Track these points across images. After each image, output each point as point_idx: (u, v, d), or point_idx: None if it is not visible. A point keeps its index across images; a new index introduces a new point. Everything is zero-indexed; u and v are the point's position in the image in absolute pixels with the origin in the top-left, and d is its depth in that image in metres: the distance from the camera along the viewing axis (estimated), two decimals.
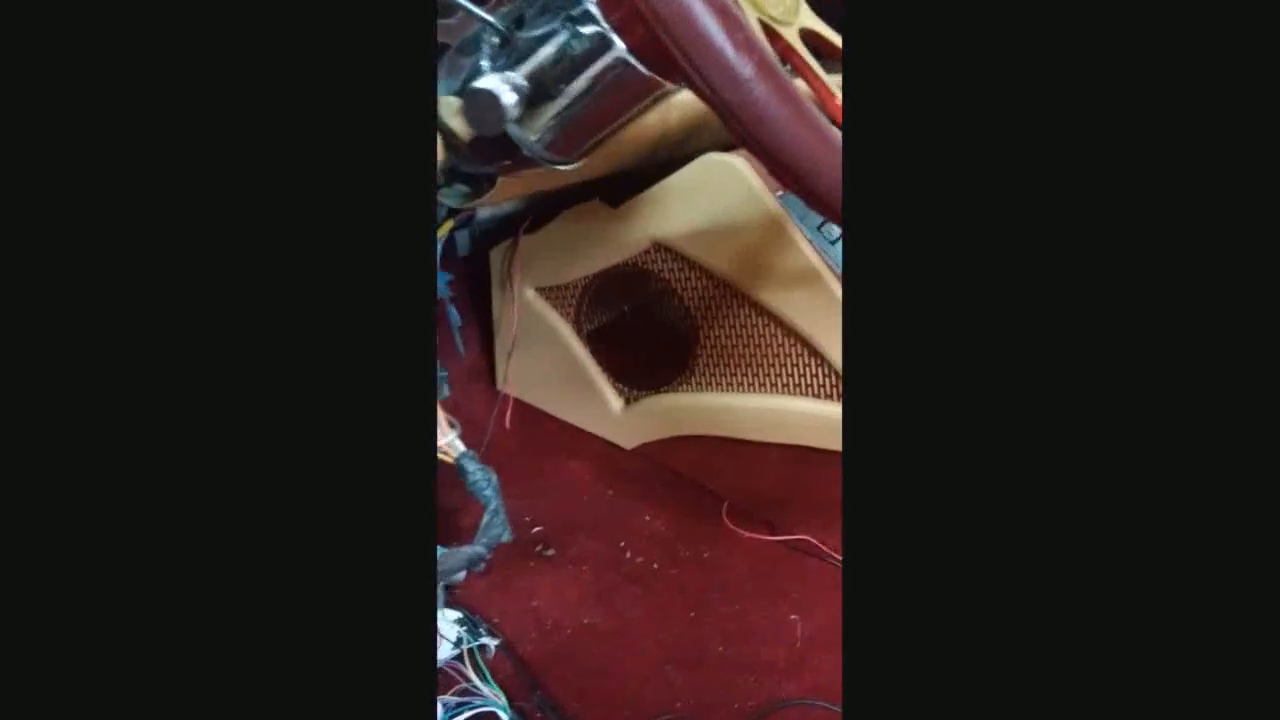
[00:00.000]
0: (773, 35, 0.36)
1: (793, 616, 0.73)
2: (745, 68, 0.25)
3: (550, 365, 0.88)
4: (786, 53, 0.38)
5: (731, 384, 0.79)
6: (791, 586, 0.76)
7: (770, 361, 0.75)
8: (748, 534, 0.84)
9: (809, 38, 0.42)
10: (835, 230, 0.78)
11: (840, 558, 0.79)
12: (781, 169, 0.28)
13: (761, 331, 0.74)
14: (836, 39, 0.47)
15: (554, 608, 0.72)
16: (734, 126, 0.27)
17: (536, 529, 0.81)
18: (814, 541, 0.82)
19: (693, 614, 0.73)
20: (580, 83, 0.37)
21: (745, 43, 0.25)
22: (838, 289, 0.69)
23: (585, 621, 0.71)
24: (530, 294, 0.86)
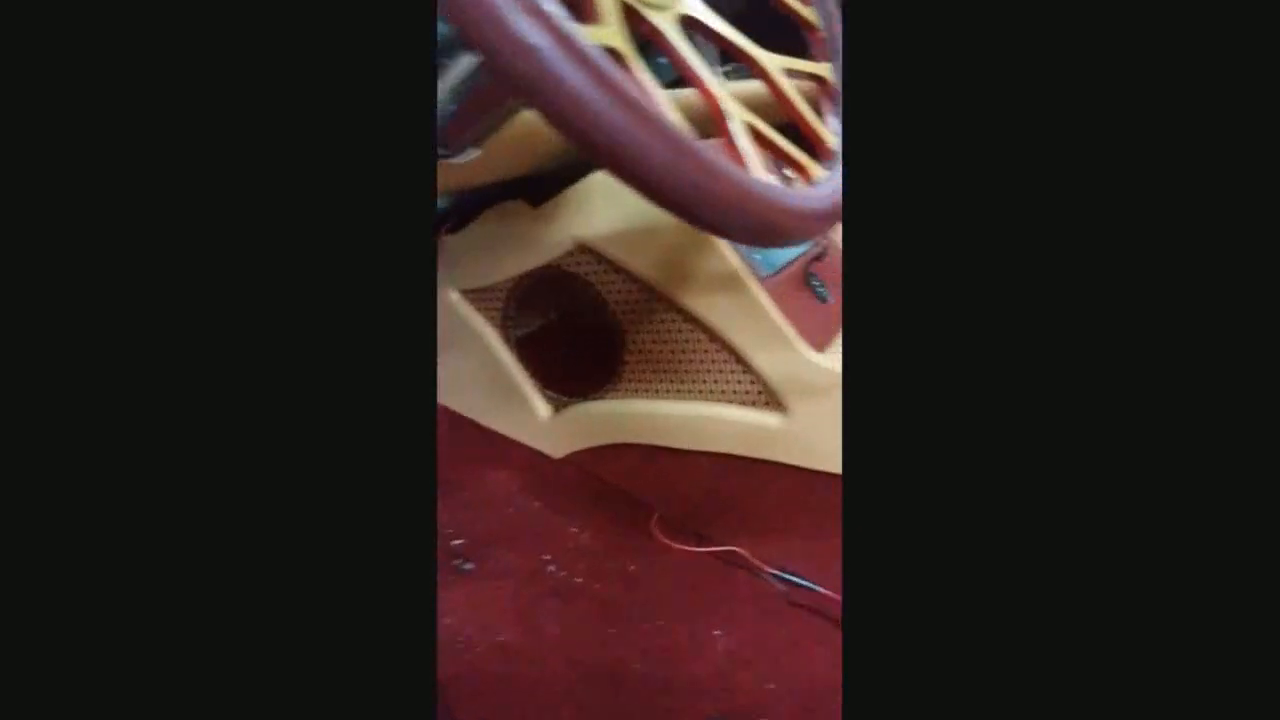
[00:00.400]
0: (636, 17, 0.34)
1: (715, 632, 0.70)
2: (536, 36, 0.23)
3: (476, 371, 0.85)
4: (652, 35, 0.36)
5: (659, 391, 0.76)
6: (718, 601, 0.74)
7: (696, 368, 0.73)
8: (676, 546, 0.82)
9: (693, 26, 0.40)
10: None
11: (770, 570, 0.77)
12: (592, 151, 0.25)
13: (687, 337, 0.72)
14: (737, 38, 0.45)
15: (467, 625, 0.69)
16: (534, 104, 0.24)
17: (457, 542, 0.78)
18: (743, 553, 0.80)
19: (613, 630, 0.71)
20: (452, 76, 0.34)
21: (537, 12, 0.23)
22: (760, 293, 0.67)
23: (499, 639, 0.68)
24: (454, 296, 0.83)
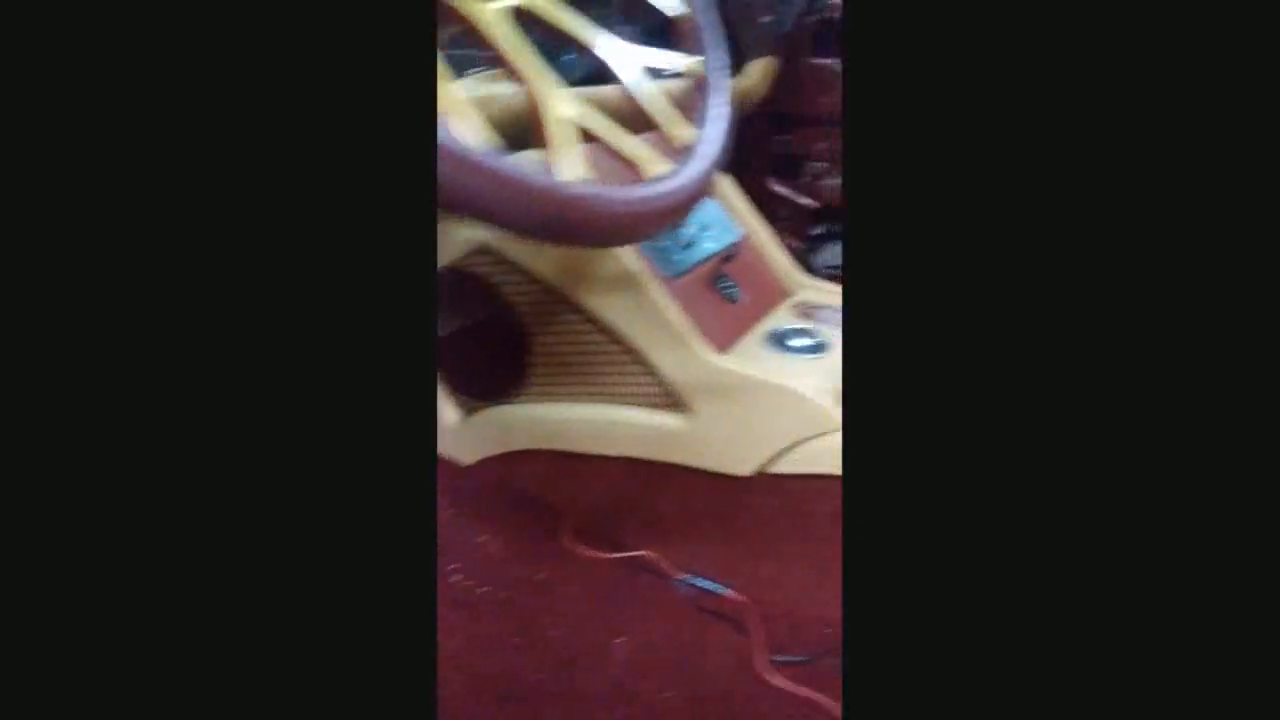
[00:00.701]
0: (455, 15, 0.33)
1: (617, 640, 0.69)
2: None
3: None
4: (475, 29, 0.34)
5: (566, 395, 0.75)
6: (626, 607, 0.72)
7: (600, 370, 0.72)
8: (587, 553, 0.80)
9: (526, 18, 0.39)
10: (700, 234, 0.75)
11: (679, 575, 0.76)
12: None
13: (590, 339, 0.70)
14: (581, 31, 0.44)
15: None
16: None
17: None
18: (653, 559, 0.79)
19: (516, 640, 0.69)
20: None
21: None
22: (659, 294, 0.66)
23: None
24: None
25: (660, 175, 0.37)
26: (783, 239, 1.26)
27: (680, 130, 0.40)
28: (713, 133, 0.40)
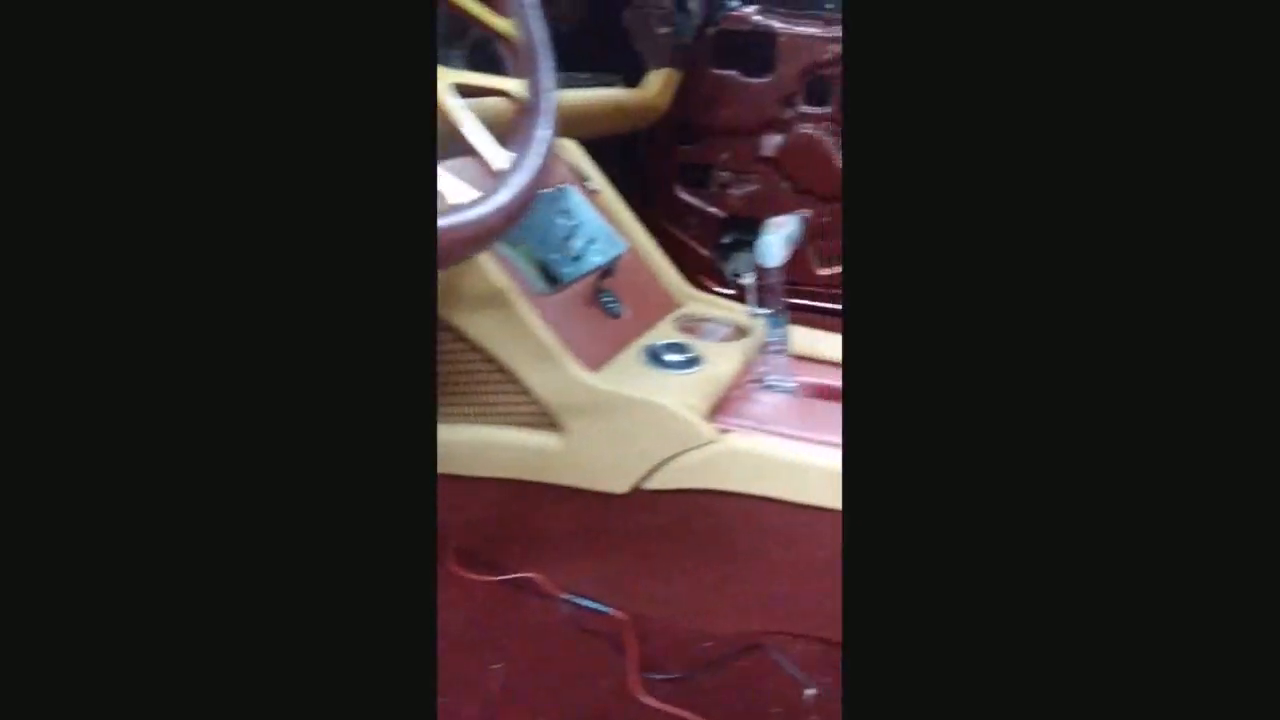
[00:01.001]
0: None
1: (494, 666, 0.67)
2: None
3: None
4: None
5: (443, 415, 0.73)
6: (507, 630, 0.71)
7: (475, 390, 0.70)
8: (471, 576, 0.78)
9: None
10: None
11: (563, 595, 0.75)
12: None
13: (463, 358, 0.69)
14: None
15: None
16: None
17: None
18: (537, 580, 0.78)
19: None
20: None
21: None
22: (526, 311, 0.64)
23: None
24: None
25: (464, 203, 0.36)
26: (692, 248, 1.26)
27: (492, 155, 0.39)
28: (530, 160, 0.39)
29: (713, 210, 1.27)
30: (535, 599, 0.79)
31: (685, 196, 1.27)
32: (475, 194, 0.36)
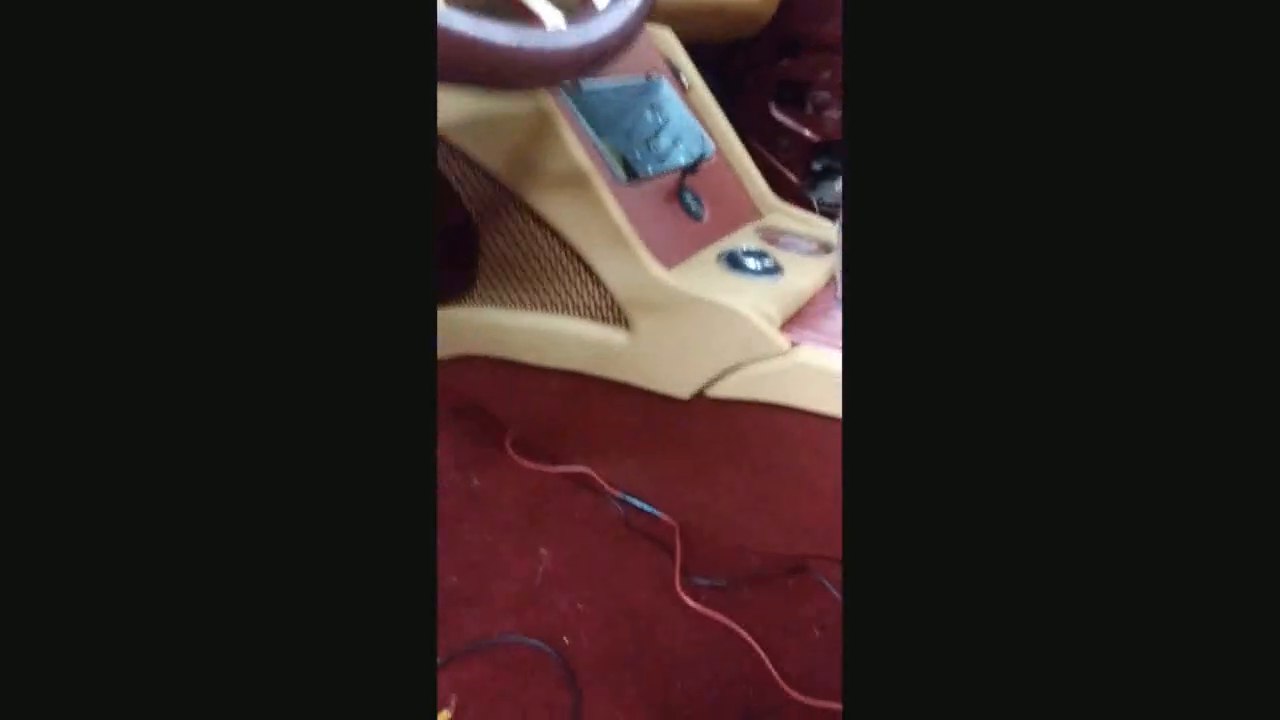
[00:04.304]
0: None
1: (541, 550, 0.68)
2: None
3: None
4: None
5: (511, 300, 0.72)
6: (555, 520, 0.72)
7: (546, 278, 0.69)
8: (527, 465, 0.79)
9: None
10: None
11: (615, 493, 0.75)
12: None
13: (537, 242, 0.67)
14: None
15: None
16: None
17: None
18: (592, 474, 0.78)
19: (438, 542, 0.68)
20: None
21: None
22: (607, 197, 0.62)
23: None
24: None
25: (553, 24, 0.33)
26: (782, 170, 1.20)
27: None
28: None
29: (807, 133, 1.21)
30: (588, 494, 0.79)
31: (779, 115, 1.21)
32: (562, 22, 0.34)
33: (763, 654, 0.59)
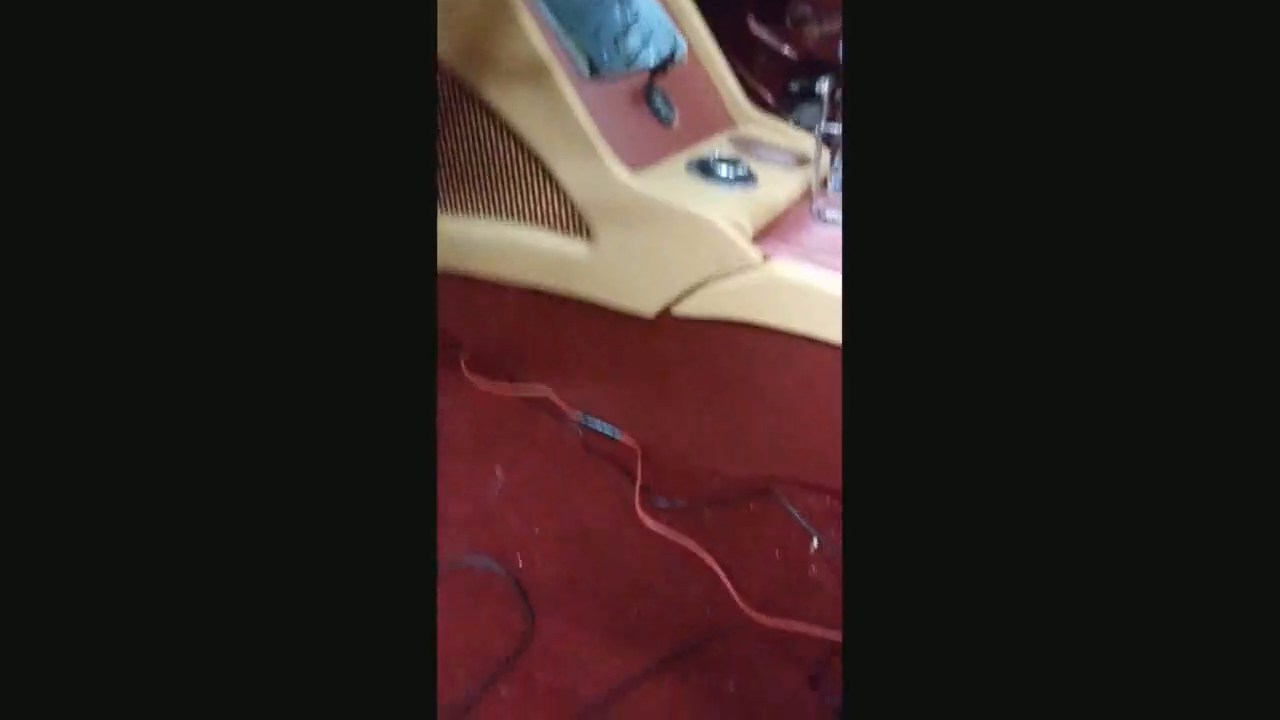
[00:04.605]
0: None
1: (496, 472, 0.65)
2: None
3: None
4: None
5: (464, 207, 0.67)
6: (512, 443, 0.69)
7: (501, 181, 0.64)
8: (484, 385, 0.75)
9: None
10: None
11: (576, 415, 0.72)
12: None
13: (491, 142, 0.62)
14: None
15: None
16: None
17: None
18: (551, 396, 0.75)
19: None
20: None
21: None
22: (568, 90, 0.57)
23: None
24: None
25: None
26: (758, 90, 1.15)
27: None
28: None
29: (785, 50, 1.15)
30: (547, 416, 0.76)
31: (757, 30, 1.14)
32: None
33: (723, 575, 0.57)
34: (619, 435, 0.70)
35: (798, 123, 1.11)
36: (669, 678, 0.51)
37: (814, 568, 0.62)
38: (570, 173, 0.59)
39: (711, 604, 0.56)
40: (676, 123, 0.69)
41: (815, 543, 0.63)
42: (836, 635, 0.55)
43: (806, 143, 0.77)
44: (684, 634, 0.53)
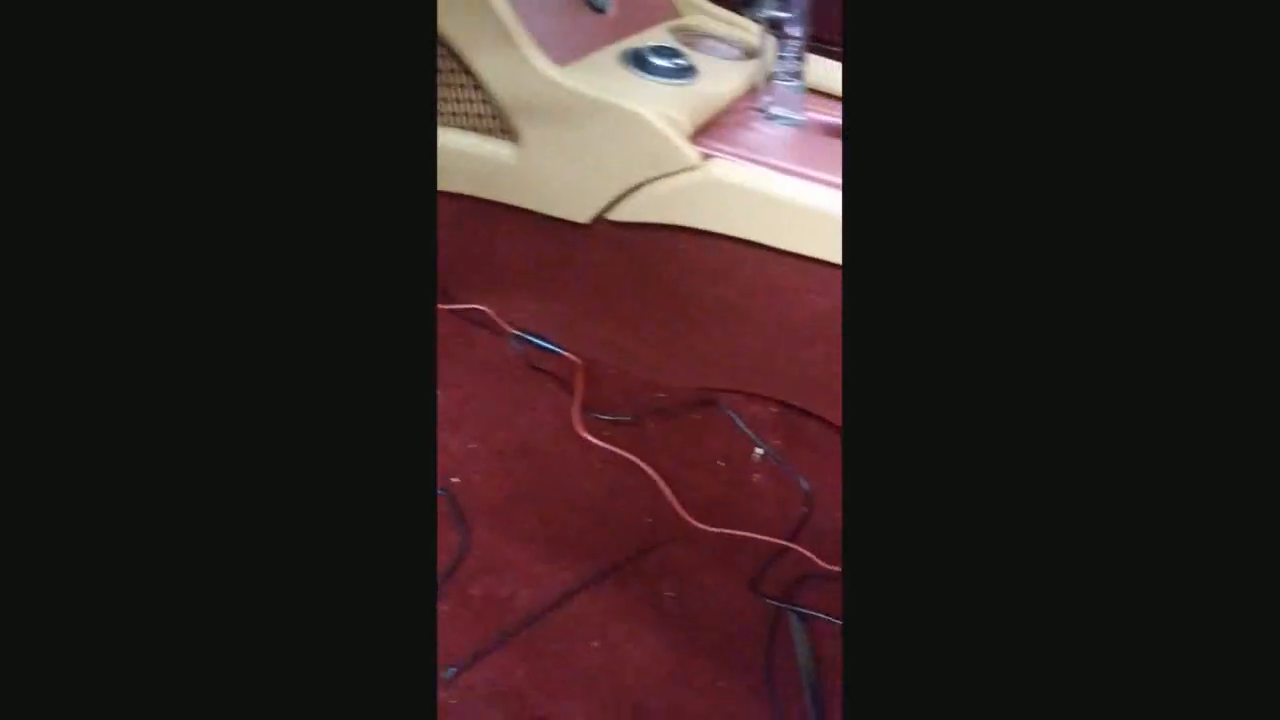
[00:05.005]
0: None
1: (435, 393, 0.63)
2: None
3: None
4: None
5: None
6: (448, 362, 0.66)
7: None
8: None
9: None
10: None
11: (514, 331, 0.70)
12: None
13: None
14: None
15: None
16: None
17: None
18: (487, 312, 0.72)
19: None
20: None
21: None
22: None
23: None
24: None
25: None
26: None
27: None
28: None
29: None
30: (484, 333, 0.74)
31: None
32: None
33: (664, 486, 0.57)
34: (559, 350, 0.68)
35: (757, 19, 1.04)
36: (608, 587, 0.52)
37: (757, 476, 0.62)
38: (489, 68, 0.54)
39: (653, 515, 0.56)
40: (612, 10, 0.64)
41: (758, 452, 0.63)
42: (778, 539, 0.55)
43: (754, 32, 0.71)
44: (625, 546, 0.53)
